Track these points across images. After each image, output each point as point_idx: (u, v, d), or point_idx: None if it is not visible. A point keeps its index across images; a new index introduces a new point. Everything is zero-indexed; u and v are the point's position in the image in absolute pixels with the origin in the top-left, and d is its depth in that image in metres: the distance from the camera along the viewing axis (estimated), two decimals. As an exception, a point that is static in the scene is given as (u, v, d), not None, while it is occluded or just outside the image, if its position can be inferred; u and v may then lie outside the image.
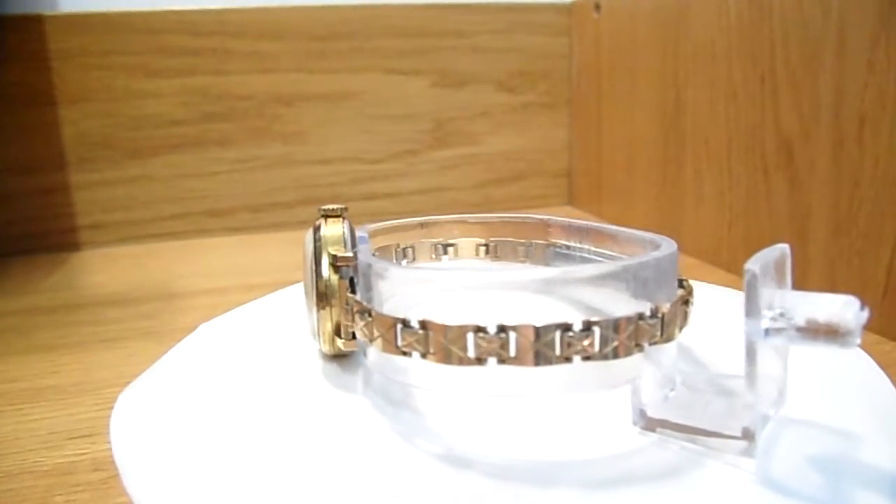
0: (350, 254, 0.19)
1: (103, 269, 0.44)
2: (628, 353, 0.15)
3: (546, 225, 0.25)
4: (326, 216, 0.20)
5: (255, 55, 0.50)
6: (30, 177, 0.48)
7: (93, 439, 0.22)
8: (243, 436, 0.17)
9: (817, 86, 0.29)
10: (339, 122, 0.53)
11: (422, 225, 0.26)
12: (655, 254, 0.17)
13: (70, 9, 0.47)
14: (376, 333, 0.16)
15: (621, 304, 0.16)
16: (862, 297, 0.26)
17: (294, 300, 0.27)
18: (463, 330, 0.15)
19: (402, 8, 0.52)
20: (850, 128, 0.28)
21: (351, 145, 0.53)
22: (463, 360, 0.15)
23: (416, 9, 0.52)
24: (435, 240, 0.26)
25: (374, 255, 0.23)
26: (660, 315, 0.15)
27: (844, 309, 0.13)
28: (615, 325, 0.15)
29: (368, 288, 0.18)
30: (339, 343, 0.20)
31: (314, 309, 0.20)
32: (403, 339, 0.16)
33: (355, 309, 0.18)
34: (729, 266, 0.37)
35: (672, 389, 0.17)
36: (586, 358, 0.15)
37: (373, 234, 0.23)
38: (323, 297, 0.19)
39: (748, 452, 0.15)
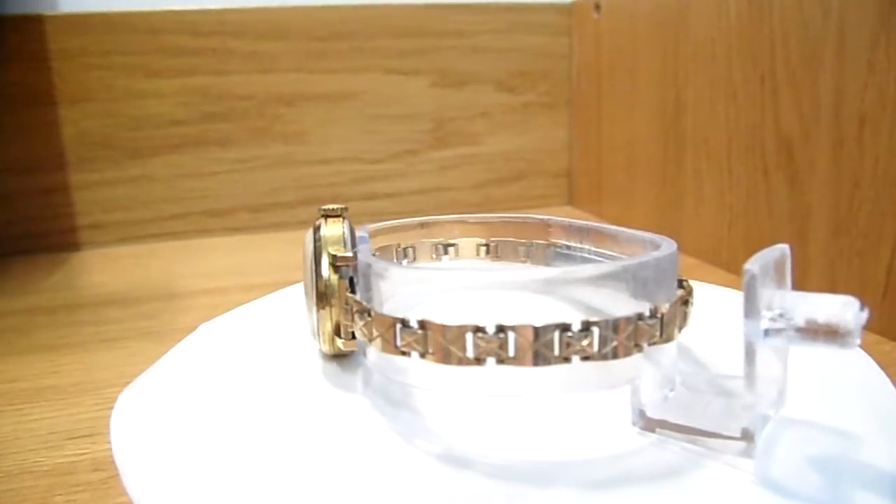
0: (350, 254, 0.19)
1: (103, 269, 0.44)
2: (627, 354, 0.15)
3: (546, 225, 0.25)
4: (326, 216, 0.20)
5: (255, 55, 0.50)
6: (30, 177, 0.48)
7: (93, 439, 0.22)
8: (243, 436, 0.17)
9: (817, 86, 0.29)
10: (339, 122, 0.53)
11: (422, 225, 0.26)
12: (655, 254, 0.17)
13: (70, 9, 0.47)
14: (375, 333, 0.16)
15: (621, 305, 0.16)
16: (862, 297, 0.27)
17: (294, 300, 0.27)
18: (462, 330, 0.15)
19: (402, 8, 0.52)
20: (850, 128, 0.28)
21: (351, 145, 0.53)
22: (462, 360, 0.15)
23: (416, 9, 0.52)
24: (435, 240, 0.26)
25: (374, 255, 0.23)
26: (659, 315, 0.15)
27: (844, 309, 0.13)
28: (614, 326, 0.15)
29: (368, 288, 0.18)
30: (339, 343, 0.20)
31: (314, 309, 0.20)
32: (402, 338, 0.16)
33: (355, 309, 0.18)
34: (729, 266, 0.37)
35: (672, 390, 0.17)
36: (585, 358, 0.15)
37: (373, 234, 0.23)
38: (323, 296, 0.19)
39: (747, 453, 0.15)
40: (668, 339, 0.16)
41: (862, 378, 0.19)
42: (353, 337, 0.19)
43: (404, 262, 0.26)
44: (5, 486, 0.19)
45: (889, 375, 0.19)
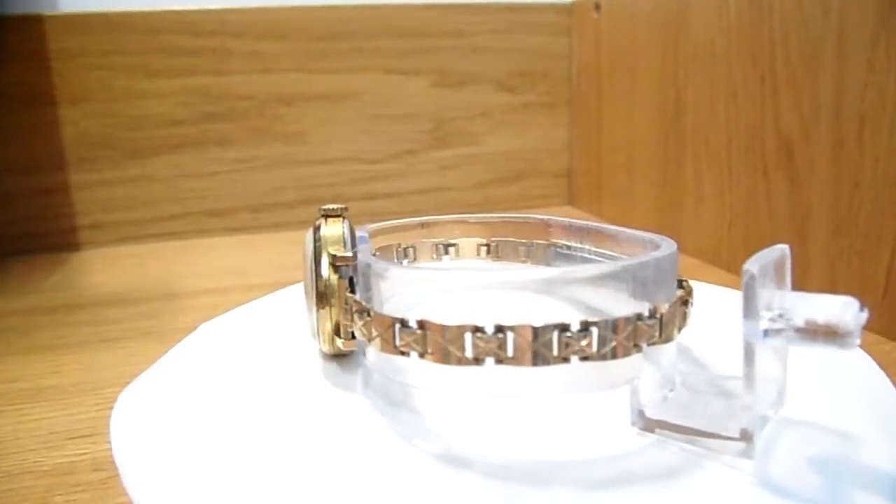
0: (349, 254, 0.19)
1: (103, 269, 0.44)
2: (626, 354, 0.15)
3: (547, 225, 0.25)
4: (327, 216, 0.20)
5: (255, 55, 0.50)
6: (30, 177, 0.48)
7: (93, 439, 0.22)
8: (243, 435, 0.17)
9: (817, 86, 0.29)
10: (339, 122, 0.53)
11: (423, 225, 0.26)
12: (655, 254, 0.17)
13: (70, 9, 0.47)
14: (375, 333, 0.16)
15: (621, 305, 0.16)
16: (862, 297, 0.27)
17: (294, 300, 0.27)
18: (461, 330, 0.15)
19: (402, 8, 0.52)
20: (850, 128, 0.28)
21: (351, 145, 0.53)
22: (461, 360, 0.15)
23: (416, 9, 0.52)
24: (436, 240, 0.26)
25: (374, 254, 0.23)
26: (658, 315, 0.15)
27: (844, 310, 0.13)
28: (613, 326, 0.15)
29: (368, 288, 0.18)
30: (339, 342, 0.20)
31: (314, 308, 0.20)
32: (401, 338, 0.16)
33: (354, 308, 0.18)
34: (729, 266, 0.37)
35: (671, 390, 0.17)
36: (584, 358, 0.15)
37: (374, 234, 0.23)
38: (322, 296, 0.19)
39: (746, 453, 0.15)
40: (668, 340, 0.16)
41: (862, 378, 0.19)
42: (353, 337, 0.19)
43: (405, 261, 0.26)
44: (5, 486, 0.19)
45: (889, 375, 0.19)
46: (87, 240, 0.50)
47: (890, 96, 0.26)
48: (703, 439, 0.15)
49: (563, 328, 0.14)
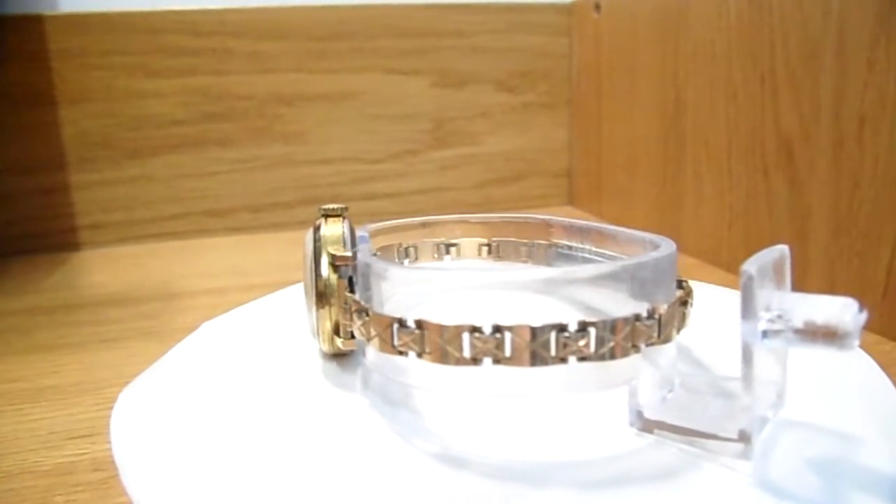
0: (349, 253, 0.19)
1: (103, 269, 0.44)
2: (625, 354, 0.15)
3: (548, 225, 0.25)
4: (327, 216, 0.20)
5: (255, 55, 0.50)
6: (30, 177, 0.48)
7: (93, 439, 0.22)
8: (243, 435, 0.17)
9: (817, 86, 0.29)
10: (339, 122, 0.53)
11: (424, 225, 0.26)
12: (654, 254, 0.17)
13: (70, 9, 0.47)
14: (373, 333, 0.16)
15: (620, 305, 0.16)
16: (862, 297, 0.27)
17: (294, 300, 0.27)
18: (458, 330, 0.15)
19: (402, 8, 0.52)
20: (850, 128, 0.28)
21: (351, 145, 0.53)
22: (459, 360, 0.15)
23: (416, 9, 0.52)
24: (437, 240, 0.26)
25: (375, 254, 0.23)
26: (657, 316, 0.15)
27: (843, 311, 0.13)
28: (612, 326, 0.15)
29: (367, 287, 0.18)
30: (338, 342, 0.20)
31: (313, 308, 0.20)
32: (400, 338, 0.16)
33: (353, 308, 0.18)
34: (729, 266, 0.37)
35: (670, 391, 0.17)
36: (582, 359, 0.15)
37: (375, 234, 0.23)
38: (322, 296, 0.19)
39: (745, 455, 0.15)
40: (666, 340, 0.16)
41: (862, 379, 0.19)
42: (352, 336, 0.19)
43: (406, 261, 0.26)
44: (5, 486, 0.19)
45: (889, 375, 0.19)
46: (87, 240, 0.50)
47: (890, 96, 0.26)
48: (702, 440, 0.15)
49: (561, 328, 0.14)
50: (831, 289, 0.29)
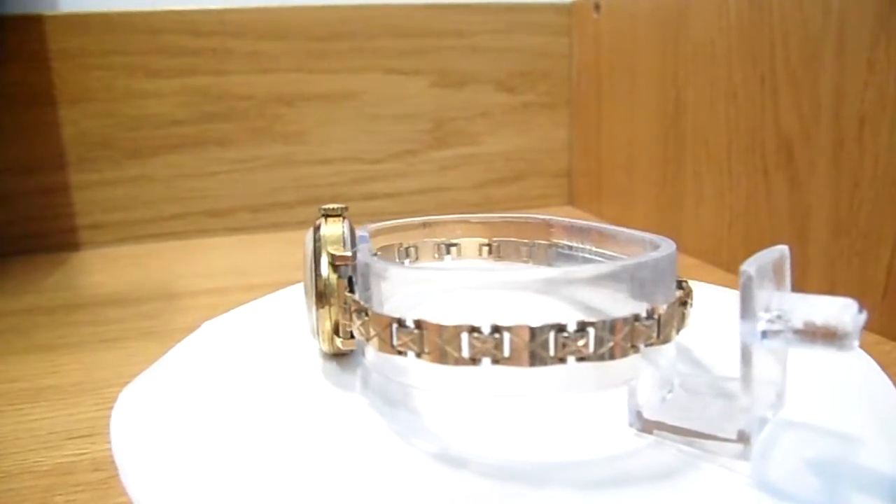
0: (348, 253, 0.19)
1: (103, 269, 0.44)
2: (624, 355, 0.15)
3: (548, 225, 0.25)
4: (327, 216, 0.20)
5: (255, 55, 0.50)
6: (30, 177, 0.48)
7: (93, 439, 0.22)
8: (243, 434, 0.17)
9: (817, 86, 0.29)
10: (339, 122, 0.53)
11: (425, 225, 0.26)
12: (653, 254, 0.17)
13: (70, 9, 0.47)
14: (372, 332, 0.16)
15: (620, 305, 0.16)
16: (862, 297, 0.27)
17: (294, 300, 0.27)
18: (457, 330, 0.15)
19: (402, 8, 0.52)
20: (850, 128, 0.28)
21: (351, 145, 0.53)
22: (458, 360, 0.15)
23: (416, 9, 0.52)
24: (438, 239, 0.26)
25: (375, 254, 0.23)
26: (656, 316, 0.15)
27: (842, 311, 0.13)
28: (611, 327, 0.15)
29: (367, 287, 0.18)
30: (338, 342, 0.20)
31: (313, 308, 0.20)
32: (399, 338, 0.16)
33: (353, 308, 0.18)
34: (729, 266, 0.37)
35: (670, 391, 0.17)
36: (581, 359, 0.15)
37: (375, 234, 0.23)
38: (322, 296, 0.19)
39: (744, 455, 0.15)
40: (666, 341, 0.16)
41: (862, 379, 0.19)
42: (352, 336, 0.19)
43: (406, 261, 0.26)
44: (5, 486, 0.19)
45: (889, 375, 0.19)
46: (87, 240, 0.50)
47: (890, 96, 0.26)
48: (701, 441, 0.15)
49: (560, 329, 0.14)
50: (831, 289, 0.29)
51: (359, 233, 0.21)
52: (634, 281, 0.16)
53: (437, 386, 0.17)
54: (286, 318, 0.25)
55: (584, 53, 0.53)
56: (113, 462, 0.16)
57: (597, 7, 0.50)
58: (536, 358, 0.14)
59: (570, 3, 0.55)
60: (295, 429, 0.17)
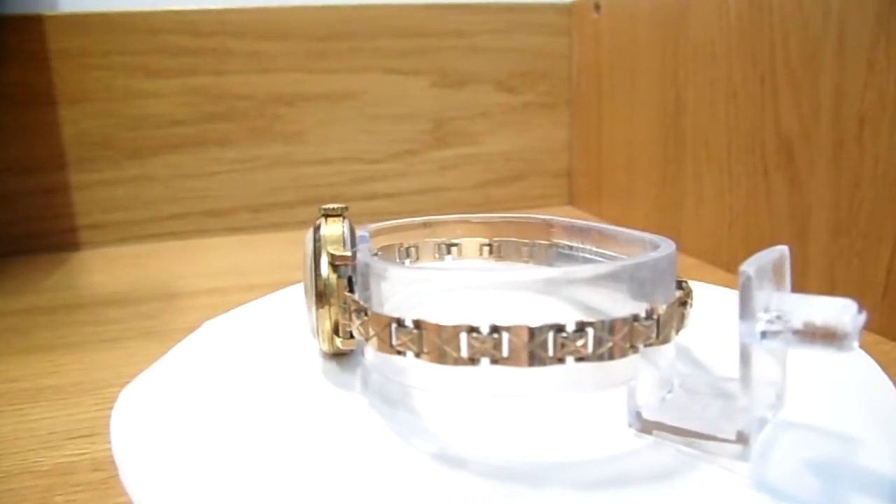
0: (348, 253, 0.19)
1: (103, 269, 0.44)
2: (623, 355, 0.15)
3: (549, 225, 0.25)
4: (327, 215, 0.20)
5: (255, 55, 0.50)
6: (30, 177, 0.48)
7: (93, 439, 0.22)
8: (243, 434, 0.17)
9: (817, 86, 0.29)
10: (339, 122, 0.53)
11: (425, 224, 0.26)
12: (653, 254, 0.17)
13: (70, 9, 0.47)
14: (372, 332, 0.16)
15: (620, 305, 0.16)
16: (862, 297, 0.27)
17: (294, 300, 0.27)
18: (456, 330, 0.15)
19: (402, 8, 0.52)
20: (850, 128, 0.28)
21: (351, 145, 0.53)
22: (457, 360, 0.15)
23: (416, 9, 0.52)
24: (438, 239, 0.26)
25: (375, 254, 0.23)
26: (655, 316, 0.15)
27: (842, 312, 0.13)
28: (610, 327, 0.15)
29: (366, 287, 0.18)
30: (338, 342, 0.20)
31: (313, 308, 0.20)
32: (398, 338, 0.16)
33: (352, 308, 0.18)
34: (729, 266, 0.37)
35: (669, 391, 0.17)
36: (580, 359, 0.15)
37: (376, 234, 0.23)
38: (322, 295, 0.19)
39: (743, 456, 0.15)
40: (665, 341, 0.16)
41: (862, 379, 0.19)
42: (352, 336, 0.19)
43: (407, 261, 0.26)
44: (5, 486, 0.19)
45: (889, 376, 0.19)
46: (87, 240, 0.50)
47: (890, 96, 0.26)
48: (700, 441, 0.15)
49: (559, 329, 0.14)
50: (831, 289, 0.29)
51: (359, 233, 0.21)
52: (634, 281, 0.16)
53: (436, 386, 0.17)
54: (286, 318, 0.25)
55: (584, 53, 0.53)
56: (113, 462, 0.16)
57: (597, 7, 0.50)
58: (535, 358, 0.14)
59: (570, 3, 0.55)
60: (295, 429, 0.17)
